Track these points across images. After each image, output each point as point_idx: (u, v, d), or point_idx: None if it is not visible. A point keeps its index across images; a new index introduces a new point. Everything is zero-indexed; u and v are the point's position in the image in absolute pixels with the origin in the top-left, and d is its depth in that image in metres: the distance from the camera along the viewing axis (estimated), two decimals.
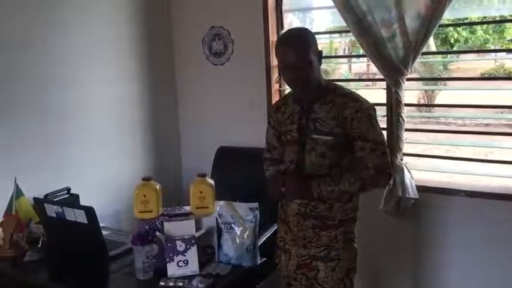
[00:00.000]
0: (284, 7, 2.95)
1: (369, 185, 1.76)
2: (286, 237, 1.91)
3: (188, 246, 1.73)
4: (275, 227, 2.10)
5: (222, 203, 1.88)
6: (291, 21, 3.06)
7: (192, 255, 1.73)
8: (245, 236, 1.82)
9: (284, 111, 1.89)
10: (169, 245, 1.73)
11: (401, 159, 2.53)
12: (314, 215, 1.81)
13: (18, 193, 2.13)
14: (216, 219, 1.87)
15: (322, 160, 1.77)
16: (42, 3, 2.53)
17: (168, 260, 1.73)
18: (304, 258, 1.85)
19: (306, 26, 2.95)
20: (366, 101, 1.79)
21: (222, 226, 1.86)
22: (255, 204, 1.86)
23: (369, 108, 1.77)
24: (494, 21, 3.52)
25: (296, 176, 1.80)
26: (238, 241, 1.82)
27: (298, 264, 1.87)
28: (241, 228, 1.82)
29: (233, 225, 1.83)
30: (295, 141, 1.83)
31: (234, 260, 1.83)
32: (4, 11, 2.36)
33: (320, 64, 1.78)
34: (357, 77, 8.82)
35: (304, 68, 1.71)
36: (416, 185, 2.51)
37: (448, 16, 2.54)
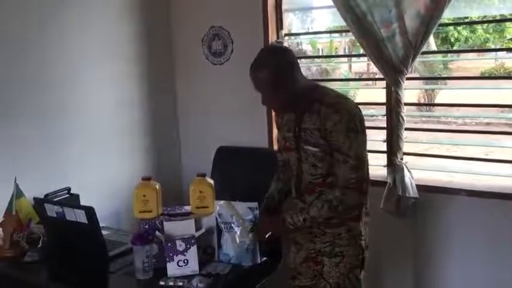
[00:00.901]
0: (284, 7, 2.95)
1: (338, 205, 1.70)
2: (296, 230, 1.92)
3: (188, 246, 1.73)
4: None
5: (221, 202, 1.88)
6: (291, 20, 3.06)
7: (192, 254, 1.74)
8: (245, 236, 1.82)
9: (283, 117, 1.90)
10: (169, 244, 1.73)
11: (401, 159, 2.53)
12: None
13: (18, 193, 2.13)
14: (216, 218, 1.87)
15: (315, 170, 1.76)
16: (42, 4, 2.53)
17: (168, 259, 1.73)
18: (312, 252, 1.86)
19: (307, 25, 2.95)
20: (350, 111, 1.71)
21: (222, 226, 1.86)
22: (255, 204, 1.86)
23: (349, 121, 1.68)
24: (495, 21, 3.51)
25: (265, 217, 1.86)
26: (238, 241, 1.82)
27: (306, 256, 1.88)
28: (241, 227, 1.82)
29: (233, 225, 1.83)
30: (293, 149, 1.83)
31: (234, 259, 1.83)
32: (4, 12, 2.36)
33: (288, 80, 1.72)
34: (357, 77, 8.82)
35: (263, 94, 1.76)
36: (417, 185, 2.51)
37: (448, 15, 2.54)
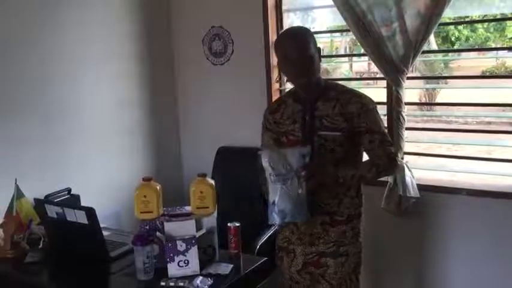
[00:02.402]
0: (284, 7, 2.95)
1: (382, 171, 1.82)
2: (291, 236, 1.90)
3: (189, 246, 1.73)
4: (275, 227, 2.09)
5: (268, 151, 1.74)
6: (292, 20, 3.06)
7: (193, 255, 1.73)
8: (299, 186, 1.69)
9: (283, 112, 1.89)
10: (169, 245, 1.73)
11: (402, 158, 2.52)
12: (323, 211, 1.81)
13: (18, 194, 2.12)
14: (264, 170, 1.72)
15: (331, 156, 1.78)
16: (42, 3, 2.52)
17: (168, 260, 1.72)
18: (312, 256, 1.85)
19: (307, 25, 2.95)
20: (367, 95, 1.86)
21: (274, 178, 1.70)
22: (308, 149, 1.71)
23: (371, 102, 1.83)
24: (495, 19, 3.50)
25: (314, 162, 1.74)
26: (295, 193, 1.69)
27: (304, 262, 1.87)
28: (295, 178, 1.68)
29: (287, 176, 1.69)
30: (298, 140, 1.82)
31: (289, 216, 1.70)
32: (4, 11, 2.36)
33: (320, 60, 1.82)
34: (358, 76, 8.79)
35: (306, 58, 1.75)
36: (418, 184, 2.51)
37: (448, 14, 2.54)
